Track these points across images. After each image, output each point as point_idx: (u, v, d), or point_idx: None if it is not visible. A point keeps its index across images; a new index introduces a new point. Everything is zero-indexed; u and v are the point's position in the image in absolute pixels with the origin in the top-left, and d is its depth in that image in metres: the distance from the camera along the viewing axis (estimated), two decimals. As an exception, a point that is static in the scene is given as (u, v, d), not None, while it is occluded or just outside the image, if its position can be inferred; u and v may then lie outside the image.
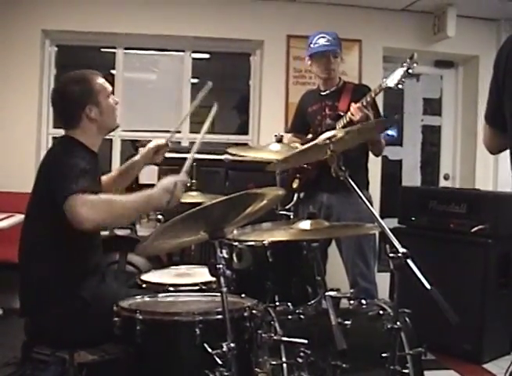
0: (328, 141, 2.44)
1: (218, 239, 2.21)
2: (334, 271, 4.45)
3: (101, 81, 3.07)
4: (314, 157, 2.84)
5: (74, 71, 3.12)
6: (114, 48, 6.37)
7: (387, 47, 6.50)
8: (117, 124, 3.14)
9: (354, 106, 3.96)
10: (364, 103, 3.93)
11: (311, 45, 4.39)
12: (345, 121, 4.09)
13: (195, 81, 6.70)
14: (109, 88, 3.08)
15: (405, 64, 3.68)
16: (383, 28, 6.45)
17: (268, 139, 4.04)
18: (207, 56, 6.85)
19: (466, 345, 4.62)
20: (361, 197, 2.38)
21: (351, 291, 2.83)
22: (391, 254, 2.17)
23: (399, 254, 2.15)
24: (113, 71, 6.40)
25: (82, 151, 2.89)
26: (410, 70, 3.67)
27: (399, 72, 3.70)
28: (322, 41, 4.34)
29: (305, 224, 2.61)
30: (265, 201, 2.34)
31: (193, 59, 6.52)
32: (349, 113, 3.98)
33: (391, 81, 3.73)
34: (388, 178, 6.67)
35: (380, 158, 5.94)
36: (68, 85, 3.02)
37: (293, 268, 3.13)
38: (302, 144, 3.94)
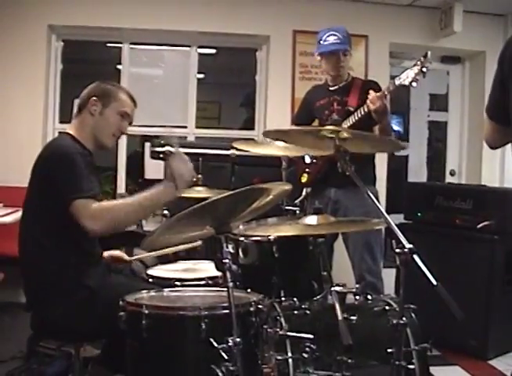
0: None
1: (224, 234, 2.21)
2: (340, 266, 4.45)
3: (126, 99, 3.07)
4: (317, 148, 2.83)
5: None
6: (120, 43, 6.37)
7: (394, 43, 6.51)
8: (109, 145, 3.09)
9: (374, 94, 3.94)
10: (384, 93, 3.91)
11: (321, 42, 4.38)
12: (357, 118, 4.11)
13: (201, 76, 6.70)
14: (128, 111, 3.05)
15: (419, 63, 3.68)
16: (389, 24, 6.45)
17: (275, 134, 4.03)
18: (213, 51, 6.86)
19: (472, 341, 4.61)
20: (367, 193, 2.38)
21: (357, 286, 2.82)
22: (398, 250, 2.17)
23: (405, 250, 2.15)
24: (119, 66, 6.40)
25: (80, 148, 2.91)
26: (424, 69, 3.67)
27: (413, 70, 3.70)
28: (332, 39, 4.33)
29: (311, 219, 2.60)
30: (271, 196, 2.34)
31: (199, 54, 6.51)
32: (368, 101, 3.96)
33: (406, 80, 3.74)
34: (394, 173, 6.67)
35: (385, 154, 5.95)
36: (101, 82, 3.08)
37: (298, 263, 3.13)
38: None
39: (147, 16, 6.03)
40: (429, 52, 3.70)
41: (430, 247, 4.46)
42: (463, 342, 4.64)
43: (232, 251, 2.23)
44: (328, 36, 4.34)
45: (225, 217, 2.22)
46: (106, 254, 3.27)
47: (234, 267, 2.22)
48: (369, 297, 2.90)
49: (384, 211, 2.42)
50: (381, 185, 5.95)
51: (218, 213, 2.18)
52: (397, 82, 3.82)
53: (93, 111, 2.98)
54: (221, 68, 7.99)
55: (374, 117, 3.99)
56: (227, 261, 2.16)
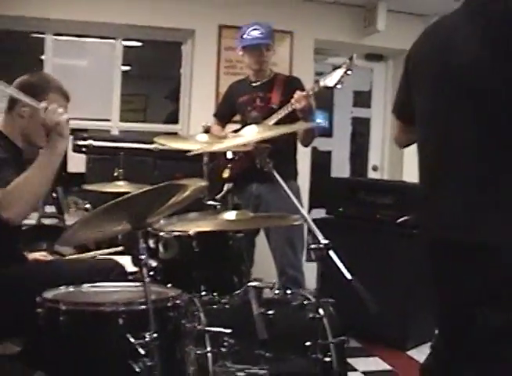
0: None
1: (141, 229, 2.21)
2: (264, 259, 4.50)
3: (57, 97, 2.95)
4: (238, 148, 2.87)
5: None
6: (44, 33, 6.25)
7: (319, 39, 6.55)
8: (42, 144, 2.91)
9: (299, 93, 3.98)
10: (309, 93, 3.96)
11: (244, 36, 4.41)
12: (281, 116, 4.13)
13: (127, 68, 6.64)
14: (63, 114, 2.93)
15: (344, 65, 3.76)
16: (314, 20, 6.49)
17: (199, 128, 4.04)
18: (139, 43, 6.80)
19: (392, 332, 4.70)
20: (284, 189, 2.42)
21: (274, 281, 2.86)
22: (313, 246, 2.21)
23: (321, 246, 2.19)
24: (42, 57, 6.29)
25: (4, 143, 2.84)
26: (349, 72, 3.75)
27: (339, 73, 3.77)
28: (255, 33, 4.36)
29: (230, 214, 2.63)
30: (188, 192, 2.34)
31: (126, 46, 6.44)
32: (293, 100, 4.00)
33: (331, 81, 3.82)
34: (318, 168, 6.74)
35: (309, 149, 6.01)
36: (30, 76, 2.96)
37: (218, 258, 3.15)
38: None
39: (71, 7, 5.92)
40: (355, 55, 3.78)
41: (352, 242, 4.56)
42: (384, 334, 4.73)
43: (152, 245, 2.24)
44: (251, 30, 4.37)
45: (142, 213, 2.22)
46: (30, 256, 3.22)
47: (151, 262, 2.23)
48: (289, 291, 2.95)
49: (300, 206, 2.46)
50: (305, 180, 6.02)
51: (135, 209, 2.17)
52: (321, 84, 3.88)
53: (23, 113, 2.87)
54: (149, 60, 7.91)
55: (299, 116, 4.03)
56: (143, 257, 2.16)
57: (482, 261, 2.06)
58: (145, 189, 2.09)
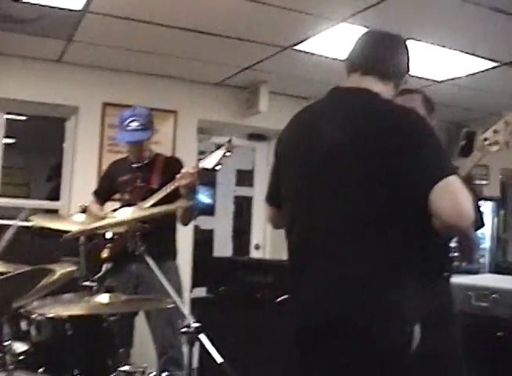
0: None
1: (6, 315, 2.16)
2: (144, 341, 4.43)
3: None
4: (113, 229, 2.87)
5: None
6: None
7: (202, 119, 6.66)
8: None
9: (185, 170, 4.02)
10: (195, 171, 4.01)
11: (124, 127, 4.39)
12: (161, 196, 4.15)
13: (11, 141, 6.51)
14: None
15: (223, 148, 3.84)
16: (198, 100, 6.62)
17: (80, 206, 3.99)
18: (24, 117, 6.70)
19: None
20: (159, 271, 2.43)
21: (146, 365, 2.81)
22: (184, 330, 2.22)
23: (191, 330, 2.20)
24: None
25: None
26: (228, 154, 3.83)
27: (218, 154, 3.85)
28: (134, 125, 4.36)
29: (104, 297, 2.60)
30: (56, 276, 2.31)
31: (9, 119, 6.31)
32: (178, 176, 4.02)
33: (210, 163, 3.89)
34: (200, 247, 6.74)
35: (191, 227, 6.04)
36: None
37: (92, 341, 3.09)
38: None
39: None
40: (233, 138, 3.88)
41: (233, 321, 4.56)
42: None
43: (24, 328, 2.17)
44: (130, 121, 4.37)
45: (7, 298, 2.16)
46: None
47: (21, 346, 2.16)
48: (164, 374, 2.92)
49: (173, 288, 2.47)
50: (186, 258, 6.01)
51: (0, 294, 2.12)
52: (200, 165, 3.94)
53: None
54: (33, 134, 7.79)
55: (182, 193, 4.06)
56: (7, 343, 2.10)
57: (348, 344, 2.12)
58: (8, 275, 2.05)
